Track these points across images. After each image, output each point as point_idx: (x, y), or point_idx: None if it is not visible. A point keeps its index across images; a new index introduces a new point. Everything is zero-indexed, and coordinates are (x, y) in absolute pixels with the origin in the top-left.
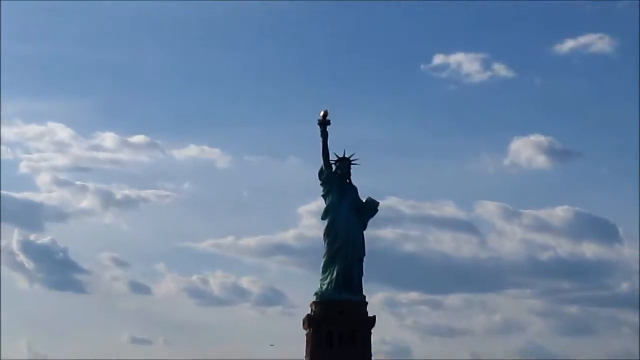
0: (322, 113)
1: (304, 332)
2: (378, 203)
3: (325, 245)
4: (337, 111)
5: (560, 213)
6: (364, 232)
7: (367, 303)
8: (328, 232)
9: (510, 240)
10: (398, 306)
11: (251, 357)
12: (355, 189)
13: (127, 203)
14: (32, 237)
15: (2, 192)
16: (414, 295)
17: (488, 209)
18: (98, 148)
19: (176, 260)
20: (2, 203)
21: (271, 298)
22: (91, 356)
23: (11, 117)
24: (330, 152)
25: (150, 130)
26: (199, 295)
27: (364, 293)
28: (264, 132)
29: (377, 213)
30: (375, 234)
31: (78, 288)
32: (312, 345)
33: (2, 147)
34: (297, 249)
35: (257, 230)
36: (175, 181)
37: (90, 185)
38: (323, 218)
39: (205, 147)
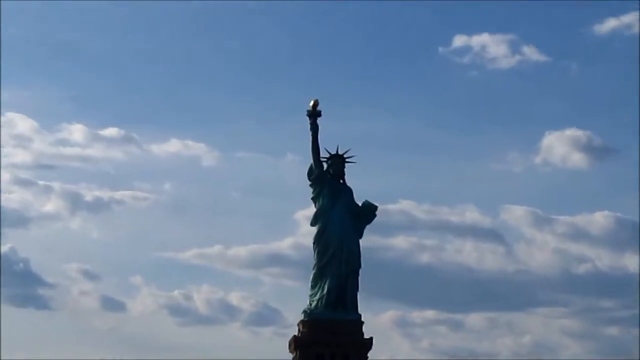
0: (311, 103)
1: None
2: (376, 207)
3: (315, 256)
4: (339, 103)
5: (599, 219)
6: (360, 241)
7: (362, 323)
8: (318, 241)
9: (541, 250)
10: (411, 326)
11: None
12: (350, 191)
13: (98, 206)
14: None
15: None
16: (429, 313)
17: (515, 214)
18: (64, 142)
19: (155, 272)
20: None
21: (265, 316)
22: None
23: None
24: (322, 149)
25: (125, 122)
26: (182, 313)
27: (359, 311)
28: (257, 125)
29: (388, 219)
30: (385, 242)
31: (41, 304)
32: None
33: None
34: (294, 260)
35: (248, 239)
36: (154, 181)
37: (56, 185)
38: (312, 224)
39: (189, 142)
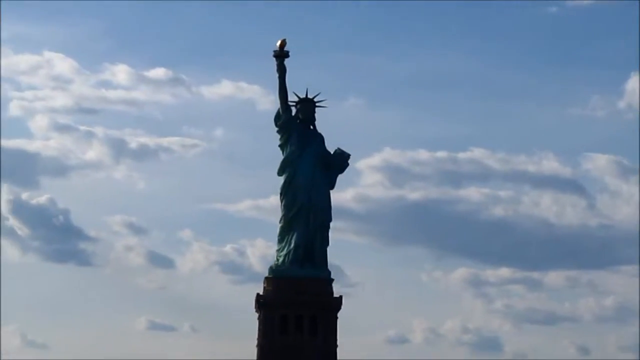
0: (278, 43)
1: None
2: (349, 155)
3: (282, 207)
4: (410, 43)
5: None
6: (331, 192)
7: (332, 280)
8: (285, 192)
9: (626, 203)
10: (484, 286)
11: None
12: (320, 138)
13: (144, 154)
14: (24, 195)
15: None
16: (504, 272)
17: (598, 163)
18: (107, 84)
19: (205, 226)
20: None
21: None
22: (99, 346)
23: None
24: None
25: (172, 63)
26: (234, 270)
27: (329, 268)
28: (317, 66)
29: (458, 169)
30: (455, 194)
31: (82, 260)
32: (262, 333)
33: None
34: (357, 213)
35: None
36: (205, 127)
37: (98, 131)
38: (279, 174)
39: (243, 84)
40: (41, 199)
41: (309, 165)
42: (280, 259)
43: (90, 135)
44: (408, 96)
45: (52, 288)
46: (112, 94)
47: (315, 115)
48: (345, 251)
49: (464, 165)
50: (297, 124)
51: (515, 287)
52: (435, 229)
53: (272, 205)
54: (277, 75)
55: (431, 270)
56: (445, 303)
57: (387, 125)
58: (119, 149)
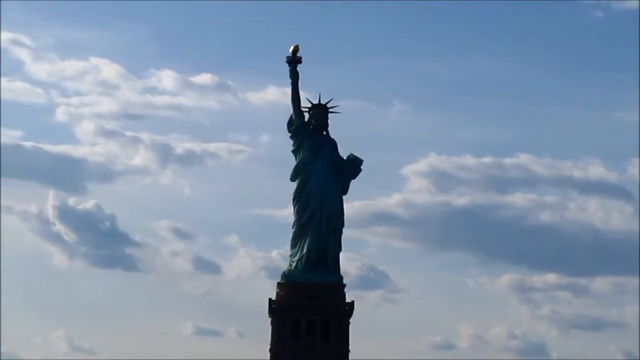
0: (291, 49)
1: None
2: (362, 161)
3: (295, 213)
4: (453, 48)
5: None
6: (344, 197)
7: (344, 285)
8: (298, 198)
9: None
10: (530, 291)
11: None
12: (333, 144)
13: (190, 159)
14: (71, 201)
15: (35, 144)
16: (551, 277)
17: None
18: (153, 90)
19: (252, 231)
20: (34, 158)
21: (371, 280)
22: (146, 351)
23: (44, 50)
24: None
25: (218, 68)
26: (280, 275)
27: (341, 274)
28: (362, 71)
29: (504, 174)
30: (501, 200)
31: (129, 265)
32: (274, 338)
33: (34, 88)
34: (403, 218)
35: (352, 195)
36: (251, 132)
37: (144, 136)
38: (292, 179)
39: (289, 90)
40: (88, 204)
41: (322, 171)
42: (293, 265)
43: (136, 140)
44: (454, 101)
45: (98, 293)
46: (158, 99)
47: (328, 121)
48: (391, 257)
49: (510, 171)
50: (310, 129)
51: (561, 293)
52: (481, 234)
53: None
54: (290, 80)
55: (477, 276)
56: (492, 309)
57: (433, 131)
58: (165, 154)
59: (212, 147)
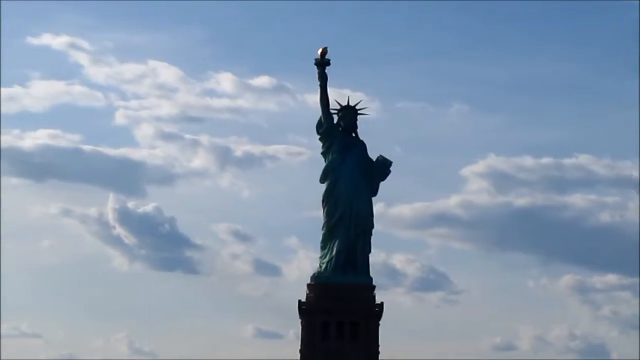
0: (320, 51)
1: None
2: (391, 162)
3: (324, 215)
4: (511, 49)
5: None
6: (373, 199)
7: (374, 287)
8: (327, 200)
9: None
10: (591, 292)
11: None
12: (362, 145)
13: (250, 162)
14: (130, 204)
15: (95, 148)
16: (611, 278)
17: None
18: (212, 93)
19: (312, 234)
20: (93, 161)
21: (431, 281)
22: (206, 353)
23: (102, 54)
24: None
25: (276, 71)
26: None
27: (371, 275)
28: (421, 72)
29: (563, 175)
30: (561, 200)
31: (189, 268)
32: (304, 340)
33: (93, 92)
34: (462, 219)
35: (412, 196)
36: (310, 134)
37: (203, 139)
38: (321, 181)
39: (347, 91)
40: (147, 207)
41: (351, 173)
42: (323, 266)
43: (195, 143)
44: (512, 102)
45: (159, 296)
46: (216, 102)
47: (357, 122)
48: (451, 258)
49: (569, 172)
50: (339, 131)
51: (622, 294)
52: (541, 235)
53: (376, 211)
54: (318, 82)
55: (537, 277)
56: (552, 310)
57: (492, 132)
58: (224, 157)
59: (271, 149)
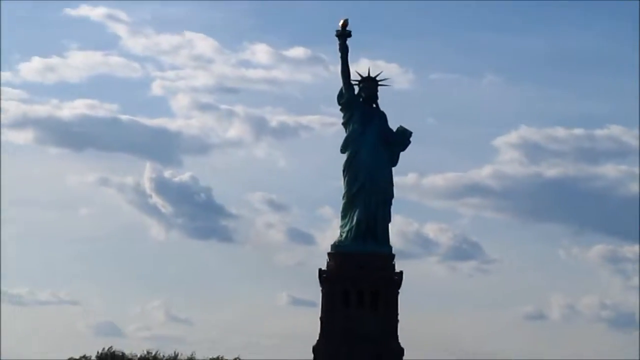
0: (341, 22)
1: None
2: (411, 133)
3: (345, 184)
4: (542, 22)
5: None
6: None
7: (394, 256)
8: (347, 169)
9: None
10: (622, 262)
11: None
12: (383, 116)
13: (284, 132)
14: (167, 173)
15: (132, 118)
16: None
17: None
18: (247, 64)
19: None
20: (130, 131)
21: (464, 251)
22: (241, 321)
23: (139, 25)
24: (355, 71)
25: (311, 42)
26: None
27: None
28: (454, 44)
29: (595, 146)
30: (592, 171)
31: (225, 236)
32: (324, 307)
33: (130, 62)
34: (495, 189)
35: (445, 166)
36: None
37: (239, 109)
38: (342, 151)
39: (381, 62)
40: (183, 176)
41: (371, 143)
42: (343, 235)
43: (231, 114)
44: (544, 74)
45: (194, 264)
46: (252, 73)
47: (378, 93)
48: (483, 228)
49: (600, 142)
50: (359, 102)
51: None
52: (573, 205)
53: (409, 182)
54: (339, 54)
55: (569, 247)
56: (583, 279)
57: (524, 103)
58: (259, 127)
59: (305, 119)
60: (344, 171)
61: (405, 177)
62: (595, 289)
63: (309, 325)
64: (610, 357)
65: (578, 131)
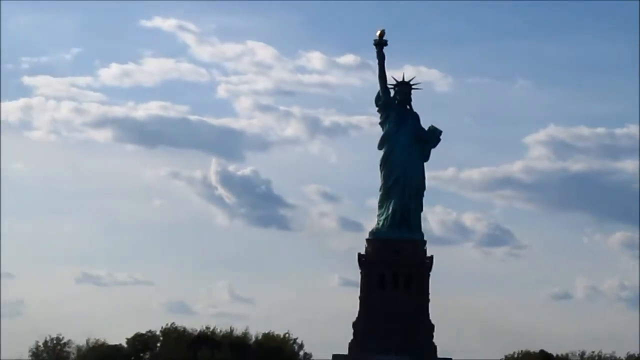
0: (378, 32)
1: (529, 275)
2: (441, 132)
3: (382, 178)
4: (568, 30)
5: None
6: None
7: (425, 242)
8: (384, 164)
9: None
10: None
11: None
12: (416, 117)
13: (336, 130)
14: (231, 167)
15: (200, 118)
16: None
17: None
18: (303, 70)
19: None
20: (198, 129)
21: (497, 237)
22: (298, 300)
23: (206, 35)
24: (391, 76)
25: (361, 49)
26: None
27: (422, 231)
28: (489, 51)
29: (615, 143)
30: (612, 166)
31: (283, 224)
32: (363, 288)
33: (198, 68)
34: (525, 182)
35: (480, 162)
36: None
37: (295, 110)
38: (379, 148)
39: (423, 68)
40: (246, 170)
41: (405, 141)
42: (380, 223)
43: (288, 114)
44: (570, 78)
45: (256, 249)
46: (307, 78)
47: (412, 96)
48: (515, 217)
49: (620, 140)
50: (395, 104)
51: None
52: (596, 197)
53: (448, 176)
54: (377, 61)
55: (592, 234)
56: (605, 263)
57: (552, 104)
58: (313, 126)
59: (355, 120)
60: (380, 166)
61: (445, 171)
62: (616, 272)
63: (357, 304)
64: (629, 332)
65: (600, 130)
